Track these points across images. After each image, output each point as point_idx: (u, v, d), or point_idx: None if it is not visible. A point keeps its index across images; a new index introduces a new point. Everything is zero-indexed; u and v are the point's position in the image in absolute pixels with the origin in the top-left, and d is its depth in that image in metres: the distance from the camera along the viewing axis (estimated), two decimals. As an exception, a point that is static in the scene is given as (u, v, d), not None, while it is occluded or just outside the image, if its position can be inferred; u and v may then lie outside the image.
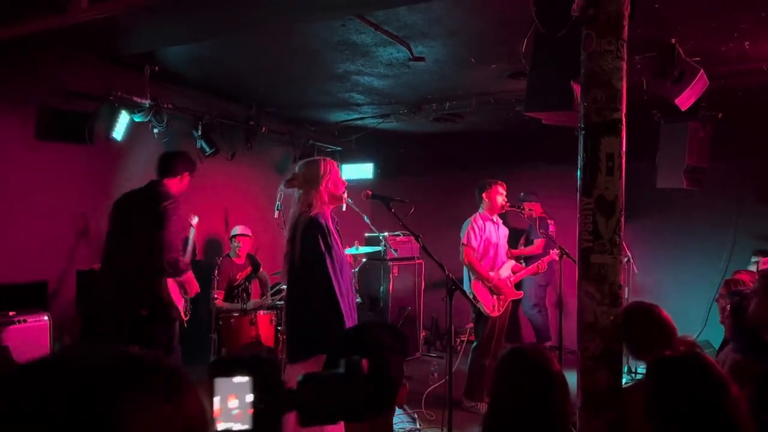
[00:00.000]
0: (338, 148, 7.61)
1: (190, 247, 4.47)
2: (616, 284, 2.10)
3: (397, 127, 7.21)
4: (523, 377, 1.66)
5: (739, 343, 2.72)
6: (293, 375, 3.20)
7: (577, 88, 2.87)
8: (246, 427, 1.04)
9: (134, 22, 3.03)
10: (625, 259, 5.88)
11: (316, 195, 3.23)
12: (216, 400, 1.03)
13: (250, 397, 1.06)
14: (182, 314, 4.03)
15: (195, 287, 4.11)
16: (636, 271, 5.92)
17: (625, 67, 2.18)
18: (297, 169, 3.40)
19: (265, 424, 1.05)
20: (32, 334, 3.98)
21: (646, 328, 2.10)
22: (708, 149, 5.76)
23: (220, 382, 1.05)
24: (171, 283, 3.86)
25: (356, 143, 7.77)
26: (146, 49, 4.33)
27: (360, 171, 7.76)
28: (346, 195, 3.45)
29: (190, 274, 4.01)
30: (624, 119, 2.15)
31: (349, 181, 8.02)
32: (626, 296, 5.89)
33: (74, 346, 4.06)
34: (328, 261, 3.06)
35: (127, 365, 0.65)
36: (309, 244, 3.11)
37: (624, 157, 2.16)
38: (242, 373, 1.07)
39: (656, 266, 6.54)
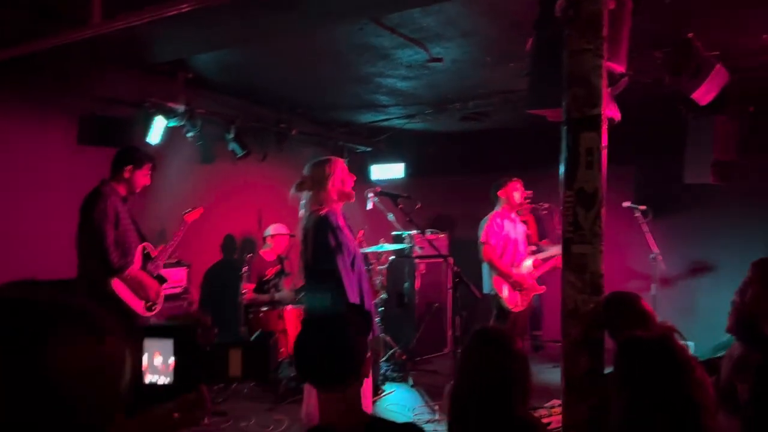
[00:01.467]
0: (368, 149, 7.78)
1: (169, 245, 4.39)
2: (596, 274, 2.19)
3: (425, 127, 7.33)
4: (486, 354, 1.78)
5: (738, 335, 2.75)
6: None
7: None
8: (168, 380, 1.30)
9: (150, 34, 3.26)
10: (652, 256, 5.86)
11: (325, 194, 3.39)
12: (144, 357, 1.28)
13: (172, 357, 1.33)
14: (143, 310, 3.94)
15: (150, 289, 3.99)
16: (664, 267, 5.88)
17: (608, 64, 2.26)
18: (305, 171, 3.56)
19: (184, 378, 1.28)
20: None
21: (625, 315, 2.18)
22: (738, 143, 5.67)
23: (148, 342, 1.30)
24: (120, 284, 3.84)
25: (386, 144, 7.93)
26: (173, 57, 4.58)
27: (390, 171, 7.91)
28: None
29: (135, 273, 3.89)
30: (604, 115, 2.23)
31: (379, 181, 8.25)
32: (653, 292, 5.86)
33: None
34: (338, 257, 3.22)
35: (57, 306, 0.81)
36: (320, 241, 3.28)
37: (605, 152, 2.24)
38: (166, 336, 1.33)
39: (686, 263, 6.47)
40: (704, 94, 4.42)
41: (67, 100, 4.92)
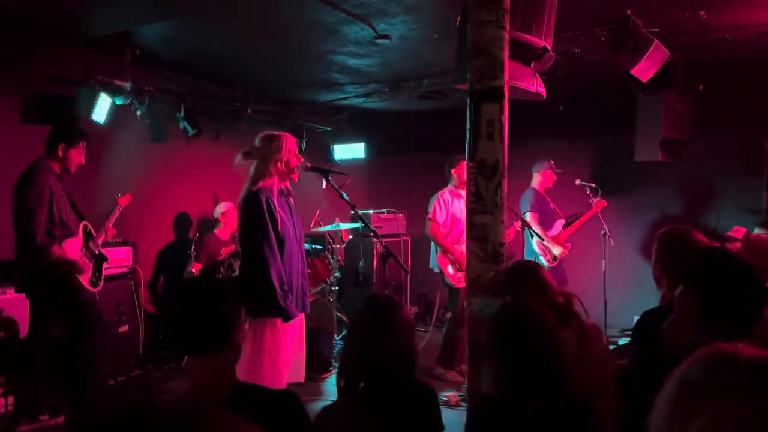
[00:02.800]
0: (329, 128, 7.75)
1: (108, 223, 4.36)
2: (497, 243, 2.22)
3: (386, 106, 7.31)
4: (373, 320, 1.81)
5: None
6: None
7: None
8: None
9: (85, 4, 3.19)
10: (602, 232, 5.94)
11: (266, 169, 3.38)
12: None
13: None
14: (87, 283, 3.92)
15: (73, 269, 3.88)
16: (613, 243, 5.96)
17: (507, 36, 2.27)
18: (256, 142, 3.54)
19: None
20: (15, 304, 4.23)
21: (526, 284, 2.21)
22: (689, 122, 5.74)
23: None
24: (74, 250, 3.88)
25: (347, 123, 7.90)
26: (109, 30, 4.52)
27: (352, 151, 7.90)
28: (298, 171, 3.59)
29: (58, 253, 3.77)
30: (506, 87, 2.25)
31: (342, 161, 8.22)
32: (604, 268, 5.94)
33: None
34: (261, 235, 3.22)
35: None
36: (244, 218, 3.31)
37: (506, 124, 2.26)
38: None
39: (635, 240, 6.56)
40: (644, 70, 4.46)
41: (9, 77, 4.83)
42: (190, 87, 6.07)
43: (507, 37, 2.25)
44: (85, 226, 4.08)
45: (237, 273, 5.79)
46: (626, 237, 6.35)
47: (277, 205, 3.34)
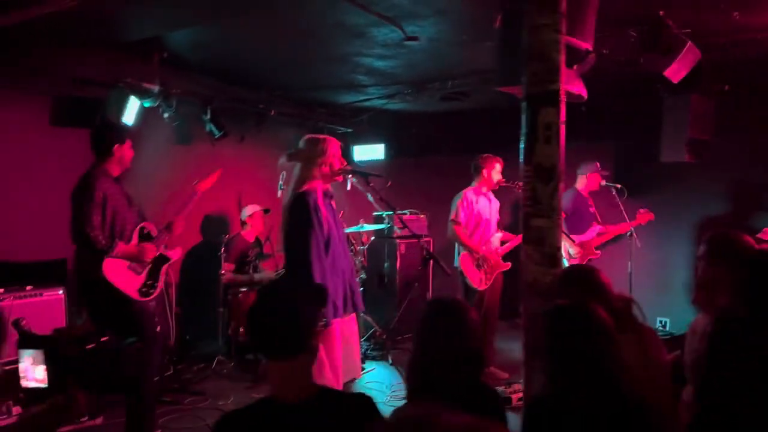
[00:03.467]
0: (349, 130, 7.77)
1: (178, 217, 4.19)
2: (554, 246, 2.23)
3: (406, 107, 7.33)
4: (441, 324, 1.81)
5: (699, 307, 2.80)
6: None
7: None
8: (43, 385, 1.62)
9: (122, 10, 3.23)
10: (628, 233, 5.92)
11: (312, 171, 3.41)
12: (22, 365, 1.54)
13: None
14: (136, 294, 3.80)
15: (144, 254, 3.87)
16: (639, 245, 5.95)
17: (563, 40, 2.28)
18: (300, 144, 3.56)
19: (55, 383, 1.52)
20: (48, 307, 4.27)
21: (581, 287, 2.21)
22: (712, 122, 5.72)
23: (23, 353, 1.65)
24: (115, 263, 3.73)
25: (367, 124, 7.91)
26: (142, 35, 4.54)
27: (371, 152, 7.91)
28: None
29: (123, 248, 3.76)
30: (563, 91, 2.25)
31: (361, 162, 8.24)
32: (629, 269, 5.94)
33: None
34: (309, 237, 3.25)
35: None
36: (293, 220, 3.32)
37: (563, 127, 2.26)
38: (38, 347, 1.66)
39: (660, 240, 6.54)
40: (676, 72, 4.46)
41: (39, 80, 4.86)
42: (216, 89, 6.10)
43: (563, 40, 2.26)
44: (142, 229, 3.99)
45: (265, 273, 5.86)
46: (652, 238, 6.33)
47: (322, 207, 3.36)
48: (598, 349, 1.76)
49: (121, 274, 3.80)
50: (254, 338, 1.66)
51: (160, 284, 4.02)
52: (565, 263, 6.11)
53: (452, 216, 5.07)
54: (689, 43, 4.27)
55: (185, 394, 4.59)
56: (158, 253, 4.02)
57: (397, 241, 6.59)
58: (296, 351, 1.61)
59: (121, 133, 4.04)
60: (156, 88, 5.30)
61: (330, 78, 6.20)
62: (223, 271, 5.39)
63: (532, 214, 2.22)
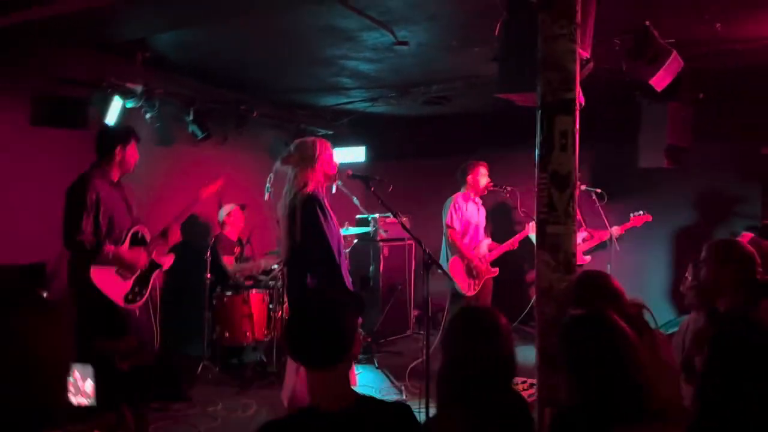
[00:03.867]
0: (330, 132, 7.73)
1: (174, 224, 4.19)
2: (569, 253, 2.26)
3: (387, 110, 7.34)
4: (473, 333, 1.81)
5: (699, 310, 2.87)
6: None
7: (543, 70, 3.02)
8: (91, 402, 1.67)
9: (119, 12, 3.16)
10: (608, 239, 6.05)
11: (311, 174, 3.37)
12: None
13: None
14: (121, 300, 3.73)
15: (136, 261, 3.82)
16: (618, 249, 6.07)
17: (578, 49, 2.32)
18: (292, 148, 3.52)
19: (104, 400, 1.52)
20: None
21: (595, 294, 2.25)
22: (690, 129, 5.89)
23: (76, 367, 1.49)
24: (101, 268, 3.66)
25: (348, 127, 7.90)
26: (134, 36, 4.47)
27: (352, 154, 7.90)
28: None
29: (112, 250, 3.68)
30: (578, 99, 2.29)
31: (341, 165, 8.17)
32: (608, 272, 6.05)
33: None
34: (330, 236, 3.22)
35: None
36: (310, 218, 3.23)
37: (578, 135, 2.31)
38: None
39: (640, 246, 6.68)
40: (660, 80, 4.57)
41: (19, 79, 4.71)
42: (198, 90, 6.02)
43: (578, 50, 2.30)
44: (136, 233, 3.89)
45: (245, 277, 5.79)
46: (629, 242, 6.47)
47: (329, 208, 3.34)
48: (620, 357, 1.78)
49: (107, 280, 3.72)
50: (295, 349, 1.64)
51: (147, 293, 3.94)
52: None
53: (447, 221, 5.11)
54: (674, 52, 4.38)
55: (172, 401, 4.50)
56: (150, 260, 3.94)
57: (381, 244, 6.59)
58: (338, 360, 1.60)
59: (125, 134, 3.97)
60: (139, 89, 5.20)
61: (313, 80, 6.17)
62: (225, 263, 5.37)
63: (548, 221, 2.26)
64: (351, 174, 3.55)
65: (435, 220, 5.71)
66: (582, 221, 6.10)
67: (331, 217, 3.30)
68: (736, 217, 6.23)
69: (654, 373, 2.19)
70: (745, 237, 5.31)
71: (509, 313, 5.83)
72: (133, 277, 3.84)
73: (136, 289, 3.87)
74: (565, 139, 2.25)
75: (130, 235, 3.86)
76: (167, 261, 4.12)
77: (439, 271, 3.35)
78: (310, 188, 3.29)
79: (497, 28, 3.40)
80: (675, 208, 6.64)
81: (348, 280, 3.32)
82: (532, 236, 5.93)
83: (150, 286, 3.98)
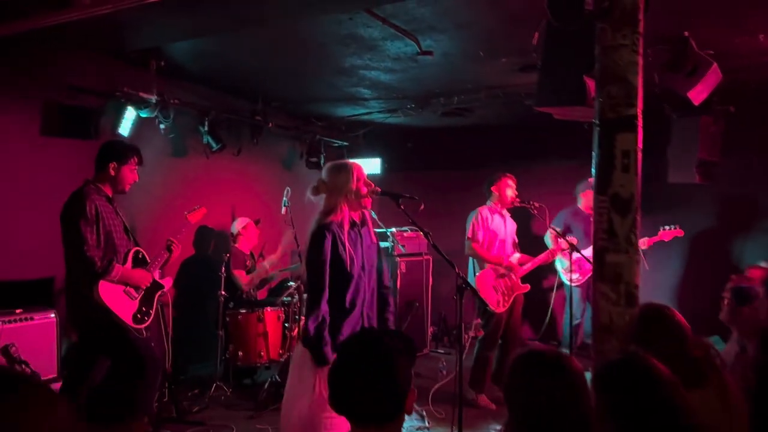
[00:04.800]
0: (345, 143, 7.57)
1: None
2: (631, 284, 2.06)
3: (404, 121, 7.16)
4: (544, 381, 1.58)
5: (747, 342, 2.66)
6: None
7: (590, 83, 2.81)
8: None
9: (138, 18, 2.99)
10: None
11: (337, 202, 3.19)
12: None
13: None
14: (130, 320, 3.60)
15: (142, 280, 3.71)
16: (647, 267, 5.85)
17: (641, 61, 2.12)
18: (323, 174, 3.34)
19: None
20: (39, 332, 3.96)
21: (660, 331, 2.04)
22: (720, 143, 5.68)
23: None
24: (111, 286, 3.54)
25: (364, 138, 7.73)
26: (152, 44, 4.31)
27: (367, 166, 7.70)
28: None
29: (121, 270, 3.57)
30: (640, 115, 2.09)
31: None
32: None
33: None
34: (323, 271, 3.04)
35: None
36: (310, 255, 3.11)
37: (640, 154, 2.10)
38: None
39: (668, 262, 6.47)
40: (699, 93, 4.37)
41: (28, 87, 4.55)
42: (212, 100, 5.86)
43: (642, 62, 2.10)
44: (137, 252, 3.78)
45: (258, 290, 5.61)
46: (655, 258, 6.25)
47: (346, 241, 3.14)
48: (658, 404, 1.58)
49: (116, 298, 3.58)
50: (339, 401, 1.43)
51: (153, 313, 3.81)
52: (567, 283, 6.05)
53: (468, 234, 4.90)
54: (714, 64, 4.18)
55: (184, 425, 4.30)
56: (153, 280, 3.82)
57: (398, 259, 6.39)
58: (389, 418, 1.40)
59: (123, 152, 3.77)
60: (153, 98, 5.03)
61: (332, 90, 6.00)
62: (237, 275, 5.25)
63: (608, 249, 2.05)
64: (380, 191, 3.34)
65: (452, 235, 5.51)
66: None
67: (346, 250, 3.09)
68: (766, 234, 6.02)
69: (722, 419, 1.98)
70: (755, 274, 5.09)
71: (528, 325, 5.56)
72: (139, 297, 3.71)
73: (144, 309, 3.73)
74: (628, 159, 2.05)
75: (132, 255, 3.73)
76: (167, 282, 4.01)
77: (476, 294, 3.12)
78: (332, 218, 3.11)
79: (536, 36, 3.22)
80: (705, 224, 6.43)
81: (366, 315, 3.14)
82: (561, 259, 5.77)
83: (155, 307, 3.84)
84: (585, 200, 6.12)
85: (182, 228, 4.28)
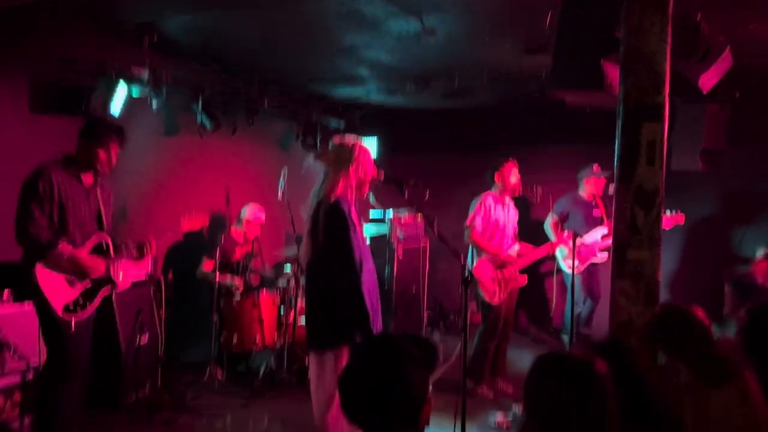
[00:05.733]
0: (342, 124, 7.41)
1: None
2: (653, 282, 1.96)
3: (402, 103, 7.02)
4: (562, 387, 1.48)
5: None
6: (316, 361, 3.10)
7: (607, 67, 2.70)
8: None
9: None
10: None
11: (344, 178, 3.10)
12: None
13: None
14: (60, 308, 3.21)
15: (93, 269, 3.34)
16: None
17: (669, 48, 2.01)
18: (330, 146, 3.26)
19: None
20: (27, 315, 3.81)
21: (685, 333, 1.95)
22: (724, 132, 5.59)
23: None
24: (49, 272, 3.20)
25: (361, 119, 7.58)
26: (146, 18, 4.13)
27: (364, 148, 7.58)
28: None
29: (74, 252, 3.24)
30: (667, 104, 1.98)
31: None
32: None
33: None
34: (353, 250, 2.99)
35: None
36: (335, 227, 3.02)
37: (666, 145, 2.00)
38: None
39: (666, 248, 6.40)
40: (709, 80, 4.25)
41: (17, 62, 4.37)
42: (207, 78, 5.68)
43: (669, 49, 1.99)
44: (101, 243, 3.45)
45: (252, 274, 5.47)
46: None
47: (355, 218, 3.05)
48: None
49: (53, 283, 3.20)
50: (350, 410, 1.33)
51: (91, 308, 3.35)
52: (567, 272, 5.98)
53: (468, 221, 4.77)
54: (727, 50, 4.06)
55: (178, 412, 4.20)
56: (105, 275, 3.44)
57: (396, 244, 6.29)
58: (402, 430, 1.31)
59: (102, 132, 3.43)
60: (146, 75, 4.86)
61: (330, 70, 5.84)
62: (203, 268, 5.19)
63: (630, 245, 1.95)
64: (384, 178, 3.23)
65: (449, 220, 5.41)
66: (604, 218, 5.85)
67: (356, 226, 3.01)
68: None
69: (743, 418, 1.91)
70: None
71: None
72: (82, 287, 3.33)
73: (80, 301, 3.30)
74: (653, 150, 1.95)
75: (93, 243, 3.40)
76: (123, 283, 3.57)
77: (478, 287, 3.03)
78: (338, 192, 3.02)
79: (548, 18, 3.09)
80: (705, 212, 6.37)
81: (373, 298, 3.05)
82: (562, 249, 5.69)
83: (96, 303, 3.39)
84: (588, 187, 6.03)
85: (170, 231, 4.02)
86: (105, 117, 4.50)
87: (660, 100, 1.95)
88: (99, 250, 3.44)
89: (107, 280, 3.44)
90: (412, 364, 1.33)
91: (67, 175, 3.34)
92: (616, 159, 2.04)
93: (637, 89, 1.96)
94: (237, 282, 5.20)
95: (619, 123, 2.03)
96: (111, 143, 3.44)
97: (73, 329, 3.20)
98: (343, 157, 3.10)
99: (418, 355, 1.35)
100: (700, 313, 2.03)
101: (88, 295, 3.34)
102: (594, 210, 5.99)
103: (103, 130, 3.46)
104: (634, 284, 1.95)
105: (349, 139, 3.26)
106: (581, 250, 5.52)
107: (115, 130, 3.53)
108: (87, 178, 3.44)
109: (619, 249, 1.98)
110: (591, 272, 5.81)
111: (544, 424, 1.47)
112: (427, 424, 1.35)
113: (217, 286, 5.01)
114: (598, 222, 5.86)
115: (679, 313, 2.05)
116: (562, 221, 6.06)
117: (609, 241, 5.65)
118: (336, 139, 3.27)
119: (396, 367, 1.31)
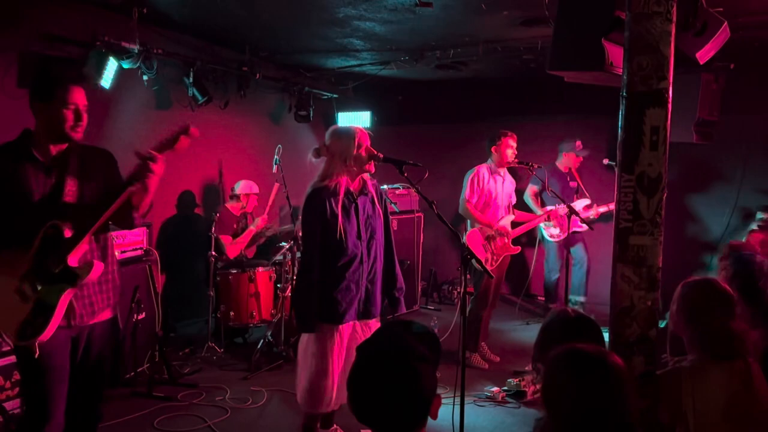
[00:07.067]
0: (334, 96, 7.34)
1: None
2: (654, 267, 1.98)
3: (396, 74, 6.93)
4: (585, 384, 1.48)
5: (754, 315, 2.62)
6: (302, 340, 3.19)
7: (608, 47, 2.67)
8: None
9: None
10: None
11: (336, 167, 3.14)
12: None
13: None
14: (14, 334, 2.35)
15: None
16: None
17: (674, 30, 1.99)
18: (326, 138, 3.27)
19: None
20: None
21: (712, 305, 2.02)
22: (719, 102, 5.58)
23: None
24: None
25: (354, 91, 7.50)
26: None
27: (356, 120, 7.52)
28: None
29: None
30: (671, 88, 1.97)
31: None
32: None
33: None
34: (314, 235, 3.10)
35: None
36: (303, 215, 3.16)
37: (669, 130, 2.00)
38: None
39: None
40: (706, 53, 4.22)
41: (4, 36, 4.27)
42: (198, 50, 5.59)
43: (673, 31, 1.97)
44: (55, 230, 2.46)
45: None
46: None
47: (339, 209, 3.07)
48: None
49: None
50: (358, 408, 1.35)
51: (54, 322, 2.34)
52: (550, 240, 6.09)
53: (466, 194, 4.80)
54: (725, 22, 4.02)
55: (177, 387, 4.24)
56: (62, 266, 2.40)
57: (390, 217, 6.28)
58: (412, 427, 1.33)
59: (43, 84, 2.52)
60: (136, 48, 4.78)
61: (323, 41, 5.74)
62: (224, 242, 5.15)
63: (633, 231, 1.96)
64: (382, 157, 3.22)
65: (443, 192, 5.43)
66: (583, 190, 5.98)
67: (339, 214, 3.06)
68: (759, 193, 6.01)
69: (742, 398, 1.96)
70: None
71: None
72: (33, 299, 2.38)
73: (37, 319, 2.36)
74: (657, 135, 1.95)
75: (42, 231, 2.42)
76: (95, 272, 2.47)
77: (479, 262, 3.04)
78: (329, 182, 3.09)
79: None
80: (697, 182, 6.41)
81: (353, 281, 3.19)
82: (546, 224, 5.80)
83: (61, 312, 2.39)
84: (565, 160, 6.28)
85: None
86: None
87: (665, 85, 1.94)
88: (49, 239, 2.44)
89: (70, 273, 2.43)
90: (421, 363, 1.34)
91: (21, 151, 2.56)
92: (618, 144, 2.04)
93: (642, 74, 1.94)
94: (263, 223, 5.42)
95: (622, 108, 2.02)
96: (60, 94, 2.48)
97: (45, 350, 2.36)
98: (340, 146, 3.18)
99: (426, 351, 1.36)
100: (725, 287, 2.09)
101: (41, 310, 2.37)
102: (570, 182, 6.20)
103: (49, 81, 2.53)
104: (635, 269, 1.96)
105: (344, 127, 3.34)
106: (563, 220, 5.59)
107: (65, 76, 2.59)
108: (47, 143, 2.57)
109: (620, 235, 1.99)
110: (570, 240, 5.94)
111: (564, 422, 1.48)
112: (435, 418, 1.37)
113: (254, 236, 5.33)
114: (574, 192, 6.02)
115: (702, 286, 2.09)
116: (542, 191, 6.15)
117: (590, 212, 5.77)
118: (332, 128, 3.33)
119: (405, 368, 1.31)
